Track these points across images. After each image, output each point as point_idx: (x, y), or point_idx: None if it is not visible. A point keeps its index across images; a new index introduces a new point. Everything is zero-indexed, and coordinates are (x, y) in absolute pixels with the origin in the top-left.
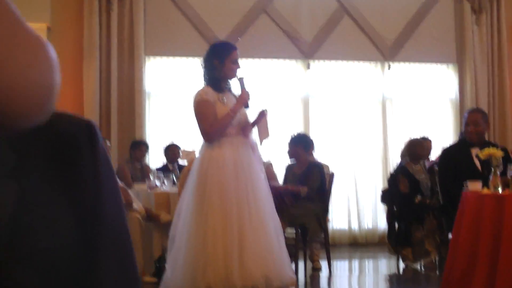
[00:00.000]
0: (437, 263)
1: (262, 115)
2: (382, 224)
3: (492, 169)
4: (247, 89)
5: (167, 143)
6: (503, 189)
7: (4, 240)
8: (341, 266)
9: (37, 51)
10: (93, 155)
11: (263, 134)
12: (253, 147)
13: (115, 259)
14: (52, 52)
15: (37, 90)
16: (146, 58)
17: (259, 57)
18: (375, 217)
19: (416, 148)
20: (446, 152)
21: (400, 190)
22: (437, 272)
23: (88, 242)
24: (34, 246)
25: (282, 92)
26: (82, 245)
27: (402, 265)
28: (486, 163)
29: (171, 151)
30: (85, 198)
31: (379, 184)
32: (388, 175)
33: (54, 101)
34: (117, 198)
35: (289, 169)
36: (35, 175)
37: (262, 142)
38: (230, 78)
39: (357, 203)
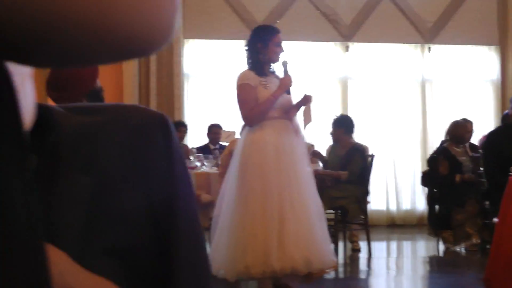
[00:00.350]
0: (479, 246)
1: (306, 100)
2: (420, 205)
3: None
4: (289, 74)
5: (209, 124)
6: None
7: (81, 237)
8: (379, 248)
9: None
10: (167, 148)
11: (307, 119)
12: (296, 130)
13: (190, 254)
14: None
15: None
16: (185, 41)
17: (298, 39)
18: (413, 199)
19: (459, 130)
20: (492, 136)
21: (439, 172)
22: (479, 255)
23: (164, 236)
24: (110, 242)
25: (321, 74)
26: (158, 240)
27: (442, 247)
28: None
29: (214, 132)
30: (160, 191)
31: (417, 166)
32: (427, 157)
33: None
34: (190, 190)
35: (331, 150)
36: (110, 169)
37: (306, 127)
38: (274, 62)
39: (395, 185)
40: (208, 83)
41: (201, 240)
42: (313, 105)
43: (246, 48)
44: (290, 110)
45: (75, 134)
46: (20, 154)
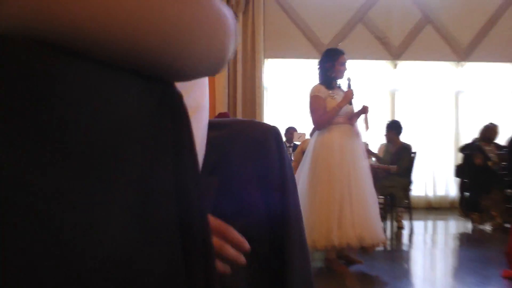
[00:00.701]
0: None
1: (365, 110)
2: (452, 192)
3: None
4: (352, 88)
5: (286, 126)
6: None
7: (207, 227)
8: (419, 226)
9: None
10: (280, 155)
11: (366, 125)
12: (357, 134)
13: (299, 246)
14: (231, 23)
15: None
16: (265, 60)
17: (356, 58)
18: (447, 187)
19: (489, 131)
20: None
21: (475, 164)
22: (502, 233)
23: (279, 230)
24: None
25: (374, 87)
26: (273, 232)
27: (470, 226)
28: None
29: (289, 133)
30: (275, 189)
31: (451, 161)
32: (459, 154)
33: (223, 62)
34: (296, 188)
35: (385, 148)
36: (232, 172)
37: (366, 131)
38: (339, 78)
39: (433, 176)
40: (282, 94)
41: (304, 234)
42: (369, 114)
43: (318, 66)
44: (352, 117)
45: (208, 145)
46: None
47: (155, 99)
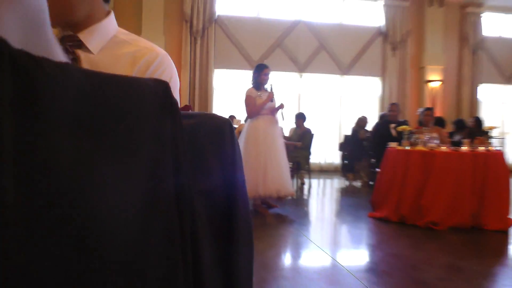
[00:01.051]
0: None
1: (281, 106)
2: (336, 160)
3: (404, 136)
4: (273, 91)
5: (228, 115)
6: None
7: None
8: (315, 183)
9: None
10: (232, 140)
11: (282, 117)
12: (276, 122)
13: (244, 204)
14: None
15: None
16: (214, 70)
17: (275, 70)
18: (333, 157)
19: (361, 121)
20: (376, 125)
21: (359, 137)
22: (367, 188)
23: (231, 187)
24: (200, 186)
25: (286, 91)
26: (227, 189)
27: (347, 183)
28: (399, 133)
29: (230, 119)
30: (230, 163)
31: (335, 140)
32: (341, 136)
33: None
34: (242, 167)
35: (294, 131)
36: (200, 150)
37: (282, 120)
38: (264, 84)
39: (324, 149)
40: (226, 93)
41: (246, 191)
42: (284, 109)
43: (251, 75)
44: (273, 111)
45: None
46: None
47: (160, 99)
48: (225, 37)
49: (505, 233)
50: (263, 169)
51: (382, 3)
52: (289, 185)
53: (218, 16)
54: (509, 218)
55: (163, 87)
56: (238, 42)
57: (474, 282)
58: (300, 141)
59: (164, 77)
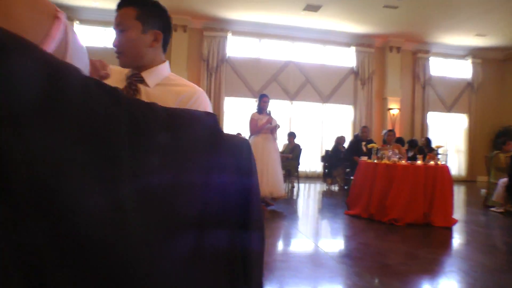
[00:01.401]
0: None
1: (276, 127)
2: (318, 169)
3: (372, 152)
4: (271, 116)
5: (236, 132)
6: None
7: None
8: (302, 186)
9: None
10: (249, 154)
11: (276, 136)
12: (274, 139)
13: (257, 204)
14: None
15: None
16: (225, 97)
17: (272, 98)
18: (316, 166)
19: (339, 139)
20: (350, 143)
21: (341, 151)
22: (344, 191)
23: (244, 192)
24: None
25: (280, 115)
26: (240, 193)
27: (326, 187)
28: (369, 149)
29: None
30: (244, 178)
31: (318, 153)
32: (322, 151)
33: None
34: (256, 176)
35: (287, 145)
36: (223, 165)
37: (276, 138)
38: (264, 109)
39: (309, 160)
40: (234, 116)
41: (259, 198)
42: (279, 129)
43: (256, 102)
44: (271, 131)
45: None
46: None
47: (210, 129)
48: (234, 73)
49: (449, 229)
50: (260, 175)
51: (354, 49)
52: (282, 188)
53: (228, 57)
54: (452, 218)
55: (213, 118)
56: (243, 76)
57: (427, 267)
58: (291, 154)
59: (201, 108)
